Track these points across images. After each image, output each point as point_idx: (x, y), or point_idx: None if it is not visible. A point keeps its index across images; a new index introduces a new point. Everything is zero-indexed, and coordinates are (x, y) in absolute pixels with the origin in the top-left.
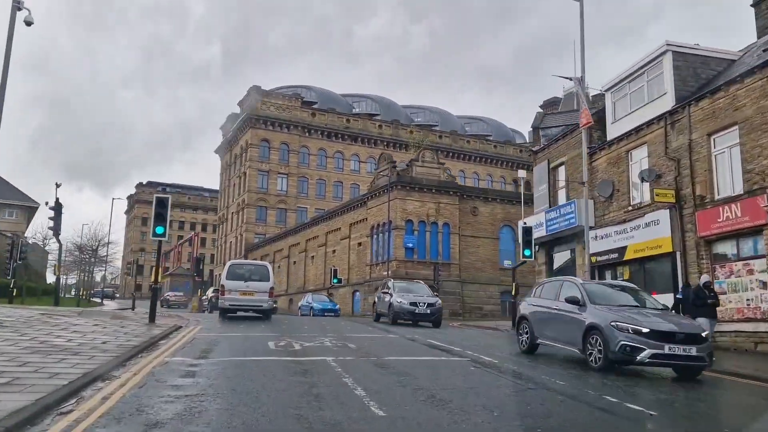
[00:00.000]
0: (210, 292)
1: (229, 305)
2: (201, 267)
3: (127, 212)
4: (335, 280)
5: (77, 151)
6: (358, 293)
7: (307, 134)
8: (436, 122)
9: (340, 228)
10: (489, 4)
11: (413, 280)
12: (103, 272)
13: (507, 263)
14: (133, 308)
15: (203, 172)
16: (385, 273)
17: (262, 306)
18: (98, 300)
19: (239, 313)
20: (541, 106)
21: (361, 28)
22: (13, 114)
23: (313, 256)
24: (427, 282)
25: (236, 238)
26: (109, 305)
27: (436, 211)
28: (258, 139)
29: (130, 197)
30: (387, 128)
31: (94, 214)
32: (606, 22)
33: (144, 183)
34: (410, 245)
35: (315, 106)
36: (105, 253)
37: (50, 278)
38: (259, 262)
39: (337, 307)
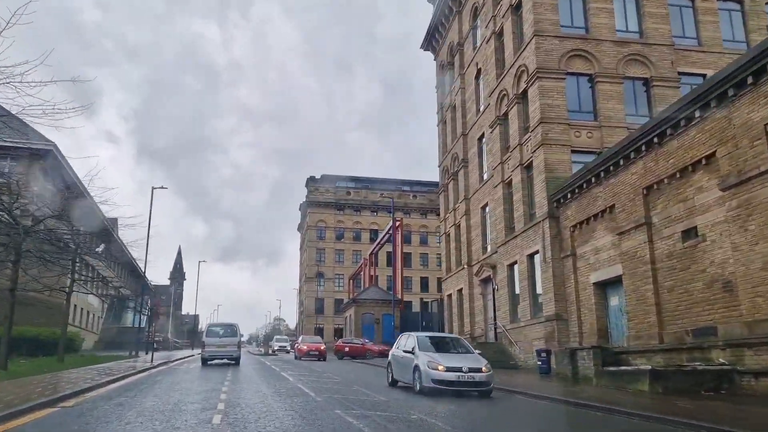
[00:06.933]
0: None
1: (209, 355)
2: None
3: (299, 227)
4: None
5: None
6: None
7: None
8: None
9: None
10: None
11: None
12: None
13: None
14: None
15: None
16: None
17: (233, 354)
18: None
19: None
20: None
21: None
22: (257, 168)
23: None
24: None
25: (525, 175)
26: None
27: None
28: None
29: (301, 206)
30: None
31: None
32: None
33: (317, 177)
34: None
35: None
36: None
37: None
38: (230, 322)
39: None
